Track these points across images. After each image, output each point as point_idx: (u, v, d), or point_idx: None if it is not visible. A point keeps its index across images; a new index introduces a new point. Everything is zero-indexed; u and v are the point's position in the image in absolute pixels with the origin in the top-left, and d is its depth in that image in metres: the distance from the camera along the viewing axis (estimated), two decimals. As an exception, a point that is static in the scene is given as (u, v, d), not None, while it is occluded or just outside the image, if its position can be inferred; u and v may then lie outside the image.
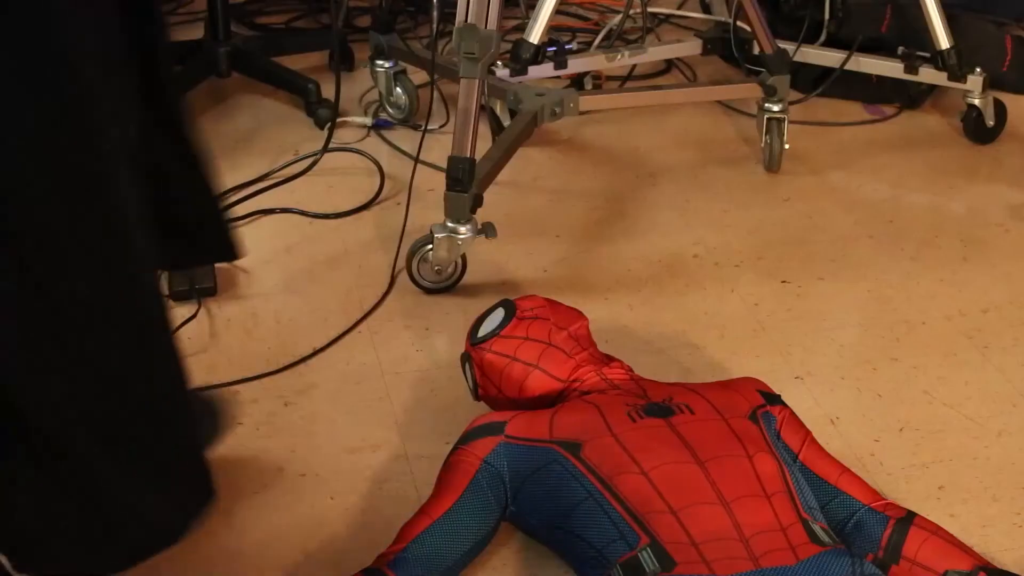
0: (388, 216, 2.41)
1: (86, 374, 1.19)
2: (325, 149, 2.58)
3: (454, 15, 2.19)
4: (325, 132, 2.60)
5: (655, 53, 2.98)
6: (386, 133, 2.78)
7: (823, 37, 2.97)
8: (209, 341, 2.04)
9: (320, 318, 2.11)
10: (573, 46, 3.05)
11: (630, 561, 1.41)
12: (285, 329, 2.09)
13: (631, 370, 1.78)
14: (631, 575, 1.40)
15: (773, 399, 1.69)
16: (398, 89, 2.82)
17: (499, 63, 2.58)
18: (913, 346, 2.08)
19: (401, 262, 2.21)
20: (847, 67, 2.84)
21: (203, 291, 2.13)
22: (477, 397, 1.84)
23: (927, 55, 2.73)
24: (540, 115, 2.40)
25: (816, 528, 1.46)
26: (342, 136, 2.70)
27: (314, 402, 1.92)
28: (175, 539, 1.32)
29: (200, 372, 1.91)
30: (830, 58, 2.87)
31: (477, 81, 2.10)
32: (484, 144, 2.30)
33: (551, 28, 2.71)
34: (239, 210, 2.39)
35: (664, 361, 2.01)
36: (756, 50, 2.78)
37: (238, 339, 2.06)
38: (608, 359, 1.79)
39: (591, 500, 1.50)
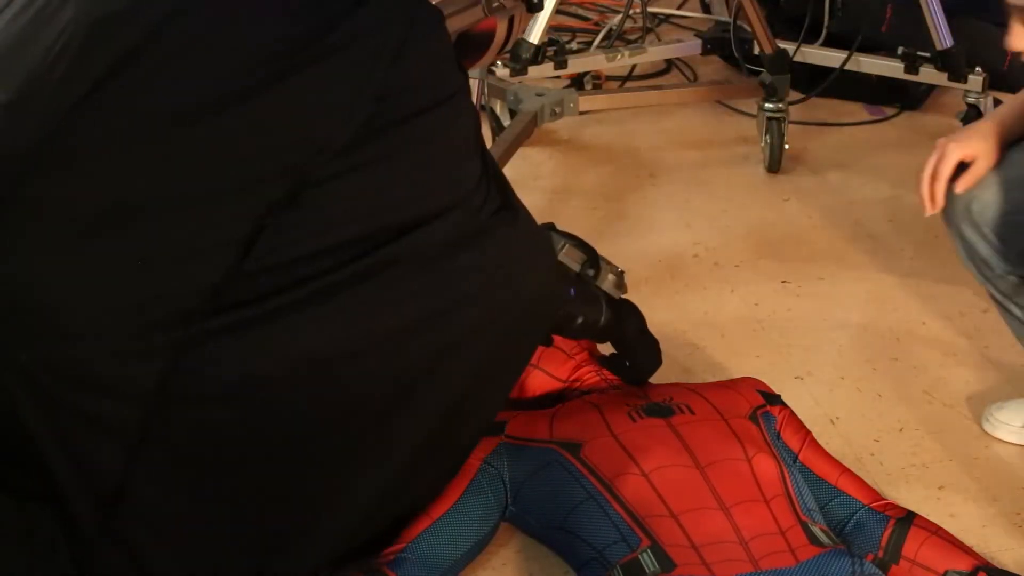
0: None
1: None
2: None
3: (454, 15, 2.19)
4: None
5: (655, 53, 2.98)
6: (386, 133, 2.78)
7: (823, 37, 2.97)
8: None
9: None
10: (573, 45, 3.06)
11: (630, 562, 1.41)
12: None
13: (631, 370, 1.78)
14: (631, 576, 1.41)
15: (773, 399, 1.69)
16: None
17: (499, 63, 2.58)
18: (913, 346, 2.08)
19: (401, 262, 2.21)
20: (847, 67, 2.84)
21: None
22: (477, 397, 1.83)
23: (927, 55, 2.73)
24: (540, 115, 2.40)
25: (815, 530, 1.46)
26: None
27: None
28: None
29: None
30: (830, 58, 2.87)
31: (477, 81, 2.09)
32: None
33: (551, 28, 2.71)
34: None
35: (664, 361, 2.01)
36: (756, 50, 2.79)
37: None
38: (608, 359, 1.79)
39: (591, 501, 1.50)
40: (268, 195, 1.29)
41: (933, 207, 1.78)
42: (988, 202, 1.75)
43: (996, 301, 1.84)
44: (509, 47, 1.65)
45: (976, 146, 1.76)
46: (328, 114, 1.31)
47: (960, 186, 1.75)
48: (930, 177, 1.77)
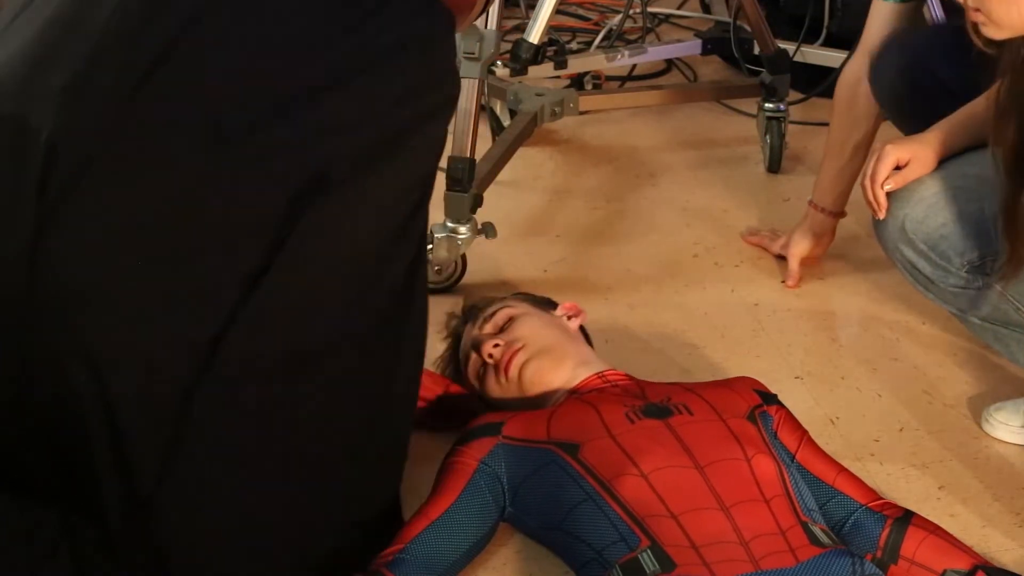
0: (388, 216, 2.40)
1: None
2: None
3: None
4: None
5: (655, 53, 2.98)
6: (386, 133, 2.78)
7: (823, 37, 2.97)
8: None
9: (320, 318, 2.11)
10: (573, 45, 3.06)
11: (630, 563, 1.41)
12: (285, 329, 2.08)
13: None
14: (631, 576, 1.41)
15: (770, 399, 1.69)
16: (398, 89, 2.81)
17: (499, 63, 2.58)
18: (913, 346, 2.08)
19: (401, 262, 2.21)
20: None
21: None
22: (476, 398, 1.83)
23: (927, 55, 2.73)
24: (540, 115, 2.40)
25: (815, 530, 1.46)
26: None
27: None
28: None
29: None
30: (830, 58, 2.87)
31: (477, 81, 2.10)
32: (484, 144, 2.30)
33: (551, 28, 2.71)
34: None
35: (664, 361, 2.01)
36: (756, 50, 2.78)
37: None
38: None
39: (590, 502, 1.50)
40: (297, 186, 1.31)
41: (880, 210, 1.78)
42: (920, 218, 1.75)
43: (954, 315, 1.84)
44: (482, 12, 1.67)
45: (913, 149, 1.76)
46: (358, 110, 1.34)
47: (890, 184, 1.75)
48: (869, 180, 1.77)
